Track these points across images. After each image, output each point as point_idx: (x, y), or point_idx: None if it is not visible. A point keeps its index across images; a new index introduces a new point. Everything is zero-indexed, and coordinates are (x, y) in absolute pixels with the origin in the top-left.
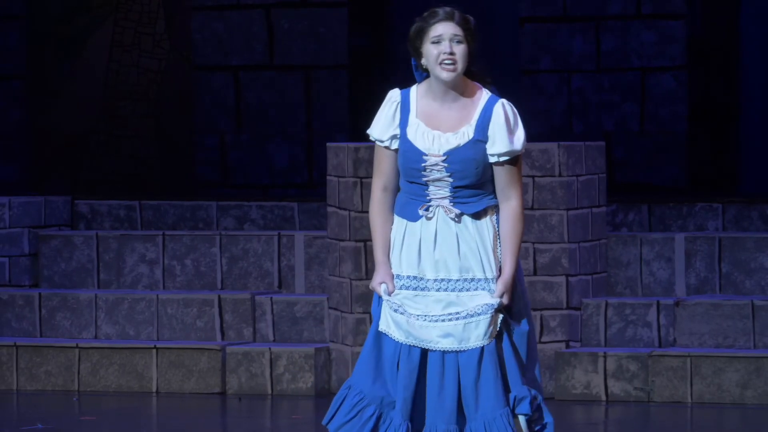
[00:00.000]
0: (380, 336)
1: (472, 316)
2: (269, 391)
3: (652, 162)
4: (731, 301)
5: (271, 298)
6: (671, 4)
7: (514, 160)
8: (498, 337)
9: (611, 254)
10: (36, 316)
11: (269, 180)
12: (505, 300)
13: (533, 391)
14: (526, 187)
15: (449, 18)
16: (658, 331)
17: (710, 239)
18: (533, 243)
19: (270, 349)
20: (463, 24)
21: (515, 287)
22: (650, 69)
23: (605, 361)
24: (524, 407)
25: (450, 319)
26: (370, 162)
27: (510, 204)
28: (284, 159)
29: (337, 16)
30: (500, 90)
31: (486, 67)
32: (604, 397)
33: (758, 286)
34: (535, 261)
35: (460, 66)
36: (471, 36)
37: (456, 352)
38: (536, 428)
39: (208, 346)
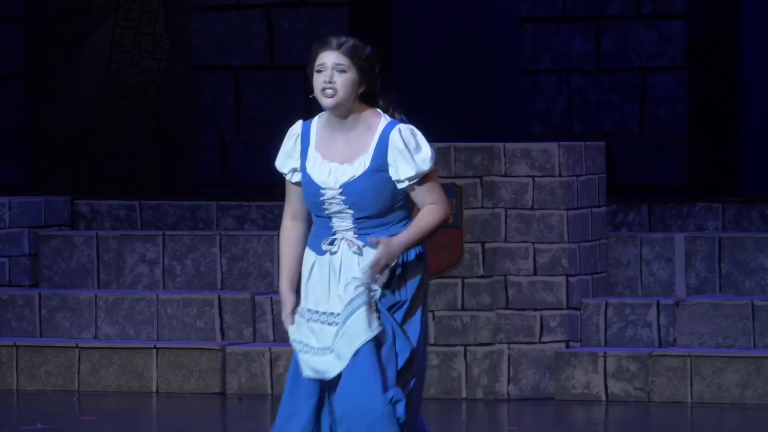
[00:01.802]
0: (297, 371)
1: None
2: (269, 391)
3: (652, 162)
4: (731, 301)
5: (271, 298)
6: (671, 5)
7: (424, 179)
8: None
9: (611, 254)
10: (36, 316)
11: (269, 180)
12: (379, 257)
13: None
14: (525, 187)
15: (334, 47)
16: (658, 331)
17: (710, 239)
18: (533, 243)
19: (270, 349)
20: (350, 53)
21: (404, 271)
22: (650, 69)
23: (605, 361)
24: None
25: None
26: None
27: (431, 205)
28: None
29: (337, 17)
30: (499, 89)
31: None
32: (604, 397)
33: (758, 286)
34: (535, 261)
35: (340, 94)
36: (362, 66)
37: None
38: None
39: (208, 346)
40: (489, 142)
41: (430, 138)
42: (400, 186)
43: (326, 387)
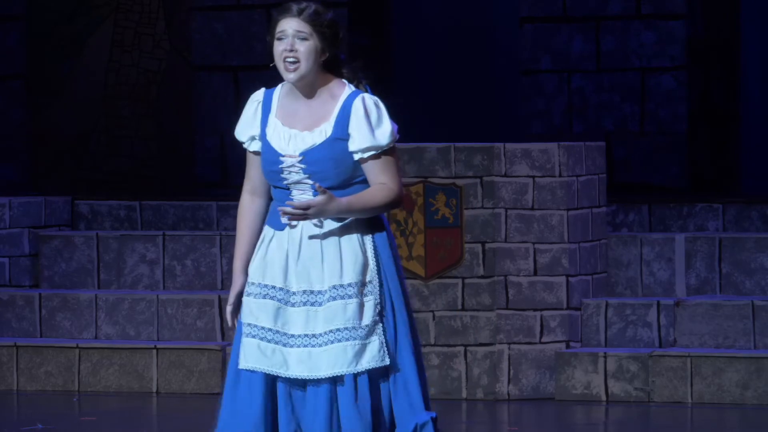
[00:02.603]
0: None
1: (323, 344)
2: None
3: (652, 162)
4: (731, 302)
5: None
6: (671, 4)
7: (380, 155)
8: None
9: (611, 254)
10: (36, 317)
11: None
12: (313, 203)
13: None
14: (525, 187)
15: (295, 13)
16: (659, 331)
17: (710, 239)
18: (533, 243)
19: None
20: (311, 20)
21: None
22: (650, 69)
23: (605, 362)
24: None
25: (305, 345)
26: None
27: (381, 184)
28: None
29: (337, 17)
30: (499, 89)
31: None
32: (604, 398)
33: (758, 287)
34: (535, 261)
35: (303, 65)
36: (324, 33)
37: (315, 380)
38: None
39: (209, 347)
40: (489, 142)
41: (431, 138)
42: (355, 157)
43: (279, 385)
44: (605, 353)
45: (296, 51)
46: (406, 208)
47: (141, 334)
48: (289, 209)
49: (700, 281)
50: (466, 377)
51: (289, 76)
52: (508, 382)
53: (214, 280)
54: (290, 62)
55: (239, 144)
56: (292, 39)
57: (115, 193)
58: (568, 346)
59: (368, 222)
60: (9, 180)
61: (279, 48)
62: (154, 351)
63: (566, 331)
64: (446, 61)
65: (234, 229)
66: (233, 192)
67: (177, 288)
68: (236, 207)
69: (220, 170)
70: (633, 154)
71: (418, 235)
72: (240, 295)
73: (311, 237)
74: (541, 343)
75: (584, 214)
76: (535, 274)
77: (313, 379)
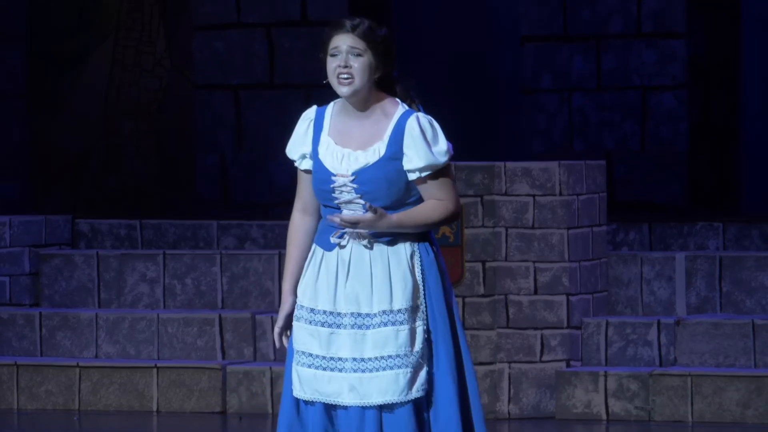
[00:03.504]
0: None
1: (374, 370)
2: (270, 411)
3: (653, 181)
4: (732, 321)
5: (272, 317)
6: (672, 23)
7: (437, 174)
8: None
9: (612, 273)
10: (36, 335)
11: (270, 198)
12: (363, 218)
13: None
14: (526, 206)
15: (349, 29)
16: (659, 350)
17: (711, 258)
18: (534, 262)
19: (271, 368)
20: (365, 36)
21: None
22: (651, 88)
23: (606, 380)
24: None
25: (354, 370)
26: None
27: (437, 201)
28: (285, 177)
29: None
30: (500, 108)
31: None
32: (604, 416)
33: (759, 306)
34: (535, 280)
35: (357, 80)
36: (378, 49)
37: (363, 407)
38: None
39: (209, 365)
40: (489, 161)
41: None
42: (411, 177)
43: (338, 412)
44: (606, 372)
45: (350, 67)
46: None
47: (141, 353)
48: (337, 219)
49: (701, 300)
50: None
51: (343, 90)
52: (509, 401)
53: (215, 299)
54: (344, 78)
55: (290, 162)
56: (346, 55)
57: (116, 211)
58: (568, 365)
59: (417, 240)
60: (9, 198)
61: (333, 64)
62: (155, 370)
63: (567, 350)
64: (447, 79)
65: (235, 248)
66: (234, 211)
67: (177, 307)
68: (237, 225)
69: (220, 189)
70: (634, 173)
71: None
72: (289, 316)
73: (360, 258)
74: (541, 361)
75: (585, 233)
76: (536, 292)
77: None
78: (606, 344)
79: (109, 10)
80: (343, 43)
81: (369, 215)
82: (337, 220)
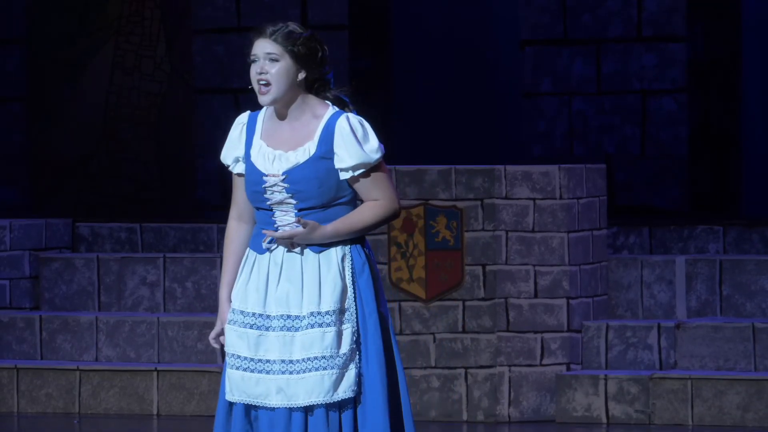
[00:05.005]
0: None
1: (301, 371)
2: None
3: (653, 184)
4: (732, 324)
5: None
6: (672, 27)
7: (371, 172)
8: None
9: (612, 277)
10: (37, 339)
11: None
12: (296, 233)
13: None
14: (526, 210)
15: (267, 35)
16: (659, 353)
17: (711, 262)
18: (534, 266)
19: None
20: (282, 41)
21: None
22: (651, 92)
23: (606, 384)
24: None
25: (282, 372)
26: None
27: (374, 201)
28: None
29: (338, 39)
30: (500, 112)
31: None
32: (605, 420)
33: (759, 309)
34: (535, 283)
35: (274, 87)
36: (296, 52)
37: (290, 409)
38: None
39: (209, 369)
40: (490, 165)
41: (432, 160)
42: (343, 176)
43: (261, 412)
44: (606, 375)
45: (266, 73)
46: (407, 231)
47: (141, 356)
48: (271, 236)
49: (701, 303)
50: (466, 399)
51: (262, 99)
52: (509, 405)
53: (215, 303)
54: (262, 85)
55: (225, 168)
56: (263, 61)
57: (116, 215)
58: (568, 369)
59: (348, 243)
60: (10, 202)
61: (252, 71)
62: (155, 373)
63: (567, 354)
64: (447, 83)
65: None
66: None
67: (177, 310)
68: None
69: (220, 192)
70: (634, 177)
71: (418, 257)
72: (225, 322)
73: (292, 260)
74: (541, 365)
75: (585, 237)
76: (536, 296)
77: (290, 408)
78: (606, 348)
79: (109, 14)
80: (261, 49)
81: (301, 229)
82: (270, 236)
